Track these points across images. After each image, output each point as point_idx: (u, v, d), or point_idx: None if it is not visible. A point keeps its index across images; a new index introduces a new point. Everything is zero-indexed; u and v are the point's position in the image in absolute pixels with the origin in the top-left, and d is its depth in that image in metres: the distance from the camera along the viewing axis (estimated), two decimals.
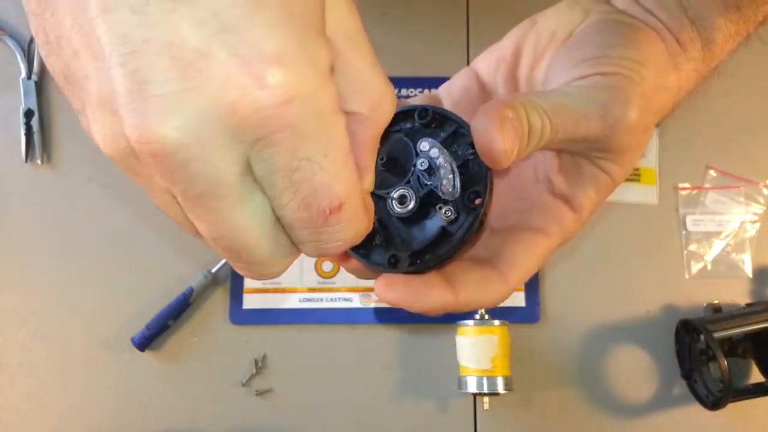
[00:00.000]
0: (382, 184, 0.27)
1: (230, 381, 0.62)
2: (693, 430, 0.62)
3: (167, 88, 0.18)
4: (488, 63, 0.33)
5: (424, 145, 0.27)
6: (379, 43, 0.79)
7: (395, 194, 0.27)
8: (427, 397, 0.62)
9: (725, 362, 0.54)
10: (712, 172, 0.67)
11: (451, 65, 0.70)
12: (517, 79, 0.32)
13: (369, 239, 0.27)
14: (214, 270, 0.63)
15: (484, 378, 0.57)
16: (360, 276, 0.29)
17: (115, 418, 0.62)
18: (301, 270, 0.65)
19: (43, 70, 0.70)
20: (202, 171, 0.19)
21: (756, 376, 0.61)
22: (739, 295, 0.64)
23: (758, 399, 0.59)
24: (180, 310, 0.62)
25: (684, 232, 0.66)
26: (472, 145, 0.26)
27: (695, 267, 0.65)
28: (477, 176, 0.27)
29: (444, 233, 0.27)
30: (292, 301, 0.64)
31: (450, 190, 0.26)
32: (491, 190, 0.27)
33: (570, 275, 0.65)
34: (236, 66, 0.18)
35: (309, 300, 0.64)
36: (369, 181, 0.24)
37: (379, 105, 0.23)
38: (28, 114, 0.68)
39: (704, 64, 0.32)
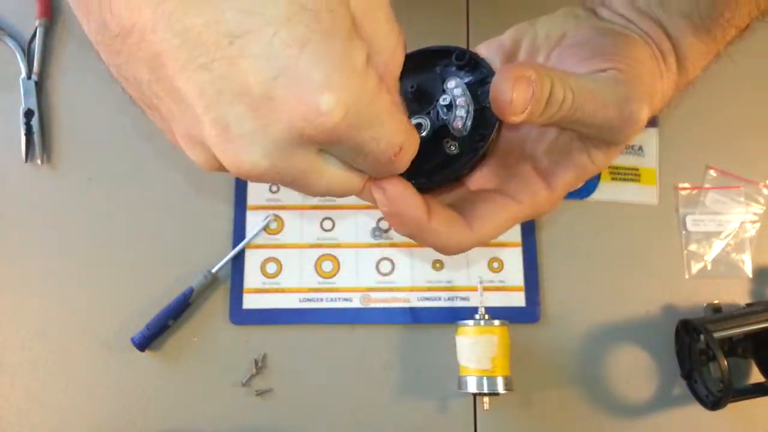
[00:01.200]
0: (408, 110, 0.30)
1: (230, 381, 0.62)
2: (693, 430, 0.62)
3: (245, 128, 0.21)
4: (488, 49, 0.36)
5: (450, 83, 0.31)
6: None
7: (414, 121, 0.31)
8: (427, 397, 0.62)
9: (725, 362, 0.54)
10: (712, 172, 0.67)
11: None
12: (519, 57, 0.36)
13: None
14: (214, 270, 0.63)
15: (484, 378, 0.57)
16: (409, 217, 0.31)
17: (115, 418, 0.62)
18: (301, 270, 0.65)
19: (43, 70, 0.70)
20: (286, 172, 0.23)
21: (756, 376, 0.61)
22: (739, 295, 0.65)
23: (758, 399, 0.59)
24: (180, 310, 0.62)
25: (684, 232, 0.66)
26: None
27: (695, 267, 0.65)
28: (488, 123, 0.30)
29: (444, 163, 0.30)
30: (292, 301, 0.64)
31: (459, 127, 0.30)
32: (496, 138, 0.30)
33: (570, 275, 0.65)
34: (296, 101, 0.21)
35: (309, 300, 0.64)
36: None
37: (393, 54, 0.25)
38: (28, 114, 0.68)
39: (679, 78, 0.35)
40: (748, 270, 0.65)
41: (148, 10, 0.20)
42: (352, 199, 0.67)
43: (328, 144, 0.23)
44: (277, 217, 0.66)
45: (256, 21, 0.20)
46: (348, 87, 0.21)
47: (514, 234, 0.65)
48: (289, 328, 0.64)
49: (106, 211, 0.66)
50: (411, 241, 0.65)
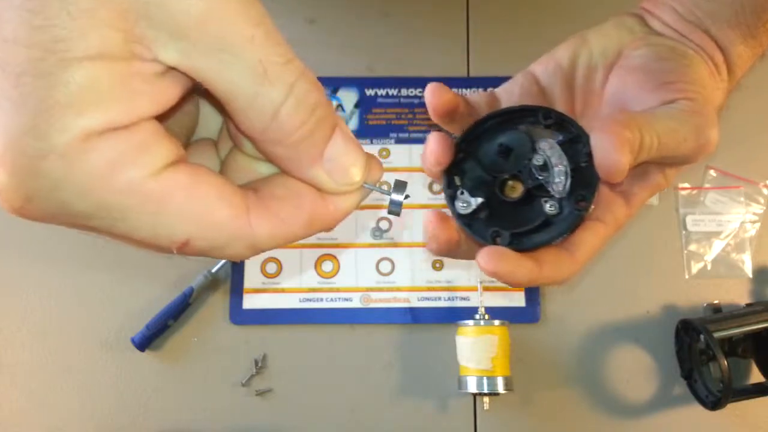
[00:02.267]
0: (494, 168, 0.32)
1: (230, 381, 0.62)
2: (693, 430, 0.62)
3: None
4: (545, 69, 0.36)
5: (544, 144, 0.31)
6: (379, 42, 0.80)
7: (504, 179, 0.32)
8: (428, 397, 0.62)
9: (725, 362, 0.54)
10: (712, 172, 0.67)
11: (451, 65, 0.71)
12: (573, 87, 0.36)
13: (474, 212, 0.31)
14: (214, 270, 0.63)
15: (485, 378, 0.57)
16: (442, 241, 0.31)
17: (115, 418, 0.62)
18: (301, 270, 0.65)
19: None
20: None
21: (756, 376, 0.61)
22: (739, 295, 0.64)
23: (758, 399, 0.59)
24: (180, 310, 0.62)
25: (684, 232, 0.66)
26: (587, 155, 0.30)
27: (695, 267, 0.65)
28: (585, 181, 0.31)
29: (545, 223, 0.31)
30: (292, 301, 0.64)
31: (560, 189, 0.31)
32: (597, 196, 0.31)
33: None
34: None
35: (309, 300, 0.64)
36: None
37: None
38: None
39: (729, 84, 0.36)
40: (748, 270, 0.65)
41: None
42: None
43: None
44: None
45: None
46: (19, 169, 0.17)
47: None
48: (289, 328, 0.64)
49: None
50: (411, 241, 0.66)
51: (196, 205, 0.20)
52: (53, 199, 0.18)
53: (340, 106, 0.69)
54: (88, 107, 0.17)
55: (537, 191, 0.31)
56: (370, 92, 0.70)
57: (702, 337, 0.57)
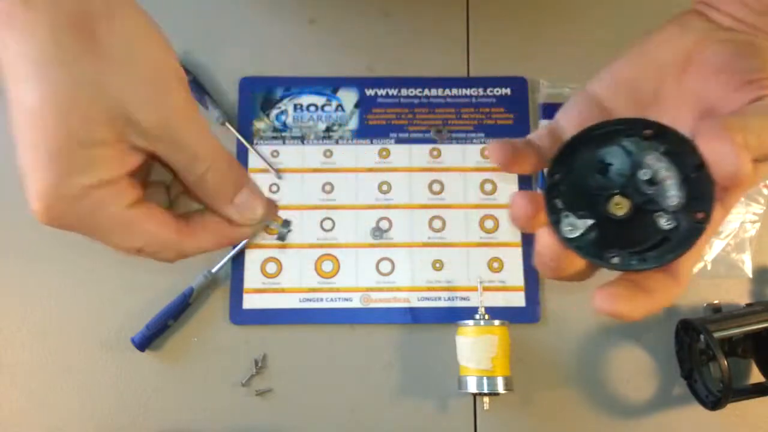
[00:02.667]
0: (595, 186, 0.31)
1: (230, 381, 0.62)
2: (693, 430, 0.62)
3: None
4: (606, 87, 0.35)
5: (650, 157, 0.30)
6: (380, 42, 0.80)
7: (610, 197, 0.31)
8: (427, 397, 0.62)
9: (725, 362, 0.54)
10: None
11: (451, 65, 0.71)
12: (639, 102, 0.35)
13: (583, 234, 0.30)
14: (214, 270, 0.63)
15: (484, 378, 0.57)
16: (553, 266, 0.32)
17: (114, 418, 0.62)
18: (301, 270, 0.65)
19: None
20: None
21: (756, 376, 0.61)
22: (739, 295, 0.65)
23: (758, 399, 0.59)
24: (180, 310, 0.62)
25: None
26: (696, 165, 0.29)
27: (695, 267, 0.65)
28: (698, 192, 0.29)
29: (663, 240, 0.30)
30: (292, 301, 0.64)
31: (675, 202, 0.30)
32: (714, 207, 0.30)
33: None
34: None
35: (309, 300, 0.64)
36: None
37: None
38: None
39: None
40: (748, 270, 0.65)
41: None
42: (352, 199, 0.67)
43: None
44: (277, 217, 0.66)
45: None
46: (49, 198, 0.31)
47: (514, 234, 0.65)
48: (289, 328, 0.64)
49: None
50: (411, 241, 0.66)
51: (148, 228, 0.32)
52: (66, 219, 0.31)
53: (339, 106, 0.69)
54: (93, 171, 0.29)
55: (647, 206, 0.30)
56: (370, 92, 0.70)
57: (702, 337, 0.57)
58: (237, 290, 0.64)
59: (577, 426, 0.62)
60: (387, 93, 0.70)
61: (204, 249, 0.34)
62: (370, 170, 0.68)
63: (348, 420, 0.62)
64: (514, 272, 0.64)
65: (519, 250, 0.65)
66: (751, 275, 0.65)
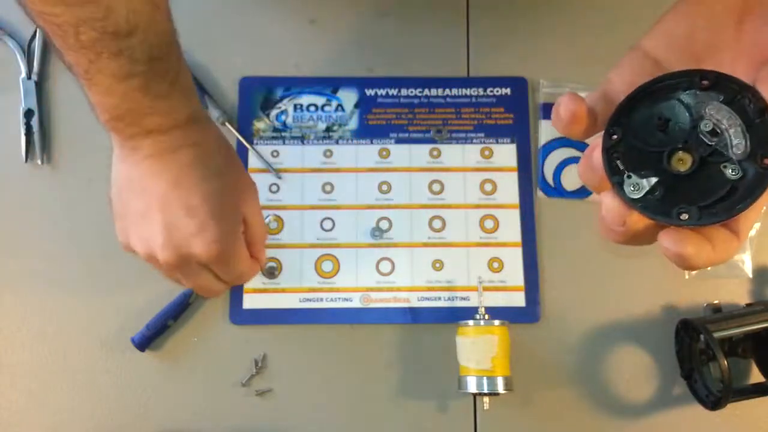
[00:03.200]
0: (656, 143, 0.30)
1: (230, 381, 0.62)
2: (693, 430, 0.62)
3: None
4: (659, 42, 0.34)
5: (711, 107, 0.29)
6: (380, 42, 0.80)
7: (672, 152, 0.30)
8: (427, 397, 0.62)
9: (725, 362, 0.54)
10: None
11: (451, 65, 0.71)
12: (694, 54, 0.34)
13: (648, 193, 0.30)
14: None
15: (484, 378, 0.57)
16: (621, 231, 0.30)
17: (114, 418, 0.62)
18: (301, 270, 0.65)
19: (43, 70, 0.70)
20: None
21: (756, 376, 0.61)
22: (738, 295, 0.65)
23: (758, 399, 0.59)
24: (180, 310, 0.62)
25: None
26: (760, 110, 0.29)
27: (755, 224, 0.64)
28: (763, 137, 0.29)
29: (731, 190, 0.29)
30: (292, 301, 0.64)
31: (741, 150, 0.29)
32: None
33: (570, 275, 0.65)
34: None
35: (309, 300, 0.64)
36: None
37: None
38: (28, 114, 0.68)
39: None
40: (748, 270, 0.65)
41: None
42: (352, 199, 0.67)
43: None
44: (277, 217, 0.66)
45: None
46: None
47: (514, 234, 0.65)
48: (289, 328, 0.64)
49: (106, 211, 0.66)
50: (411, 241, 0.66)
51: (243, 260, 0.55)
52: (226, 251, 0.50)
53: (339, 106, 0.69)
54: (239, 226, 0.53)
55: (711, 158, 0.29)
56: (370, 92, 0.70)
57: (702, 337, 0.57)
58: (237, 290, 0.64)
59: (577, 426, 0.62)
60: (387, 93, 0.70)
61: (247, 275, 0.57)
62: (370, 170, 0.68)
63: (348, 420, 0.62)
64: (514, 272, 0.64)
65: (519, 250, 0.65)
66: (751, 275, 0.65)
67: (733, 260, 0.65)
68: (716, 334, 0.56)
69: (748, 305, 0.63)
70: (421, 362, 0.63)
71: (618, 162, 0.30)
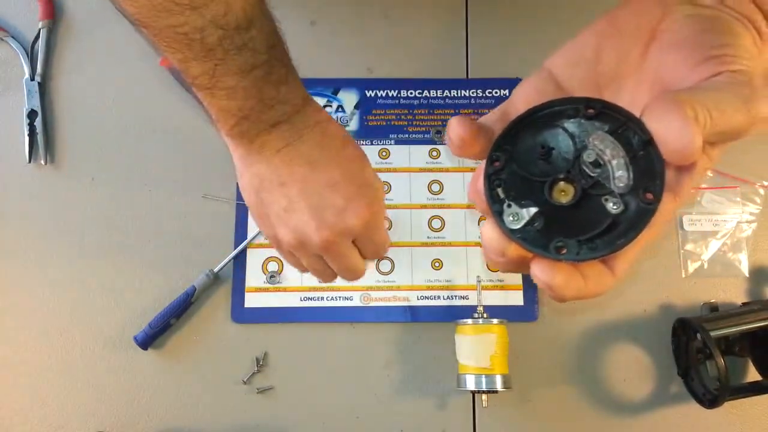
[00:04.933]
0: (538, 172, 0.29)
1: (232, 379, 0.63)
2: (690, 429, 0.62)
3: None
4: (565, 61, 0.33)
5: (594, 137, 0.28)
6: (380, 44, 0.80)
7: (554, 183, 0.29)
8: (427, 394, 0.62)
9: (722, 361, 0.55)
10: (708, 172, 0.67)
11: (450, 66, 0.72)
12: (598, 76, 0.33)
13: (528, 224, 0.28)
14: (216, 269, 0.64)
15: (483, 376, 0.58)
16: (500, 260, 0.30)
17: (117, 416, 0.62)
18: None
19: (46, 71, 0.71)
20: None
21: (752, 375, 0.62)
22: (735, 295, 0.65)
23: (755, 397, 0.60)
24: (182, 308, 0.63)
25: (680, 231, 0.66)
26: (644, 143, 0.27)
27: (692, 266, 0.66)
28: (646, 172, 0.27)
29: (612, 224, 0.27)
30: (293, 300, 0.64)
31: (622, 184, 0.27)
32: (664, 186, 0.27)
33: None
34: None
35: (310, 299, 0.64)
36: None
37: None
38: (32, 115, 0.69)
39: None
40: (745, 269, 0.65)
41: None
42: None
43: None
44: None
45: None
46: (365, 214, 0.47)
47: None
48: (290, 326, 0.64)
49: (109, 211, 0.67)
50: (410, 240, 0.66)
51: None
52: (376, 221, 0.49)
53: (340, 107, 0.70)
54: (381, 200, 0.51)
55: (593, 190, 0.28)
56: (370, 93, 0.70)
57: (699, 335, 0.58)
58: (239, 289, 0.64)
59: (575, 423, 0.62)
60: (387, 94, 0.70)
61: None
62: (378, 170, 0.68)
63: (348, 417, 0.62)
64: None
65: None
66: (747, 274, 0.65)
67: (730, 260, 0.66)
68: (713, 333, 0.57)
69: (744, 304, 0.63)
70: (421, 360, 0.63)
71: (499, 190, 0.29)
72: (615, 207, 0.27)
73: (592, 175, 0.28)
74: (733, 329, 0.59)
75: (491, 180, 0.29)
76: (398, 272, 0.65)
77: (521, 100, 0.33)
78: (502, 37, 0.72)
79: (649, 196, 0.27)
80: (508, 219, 0.28)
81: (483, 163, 0.30)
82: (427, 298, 0.64)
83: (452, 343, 0.61)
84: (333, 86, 0.70)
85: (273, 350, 0.63)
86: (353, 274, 0.52)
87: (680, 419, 0.62)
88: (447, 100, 0.70)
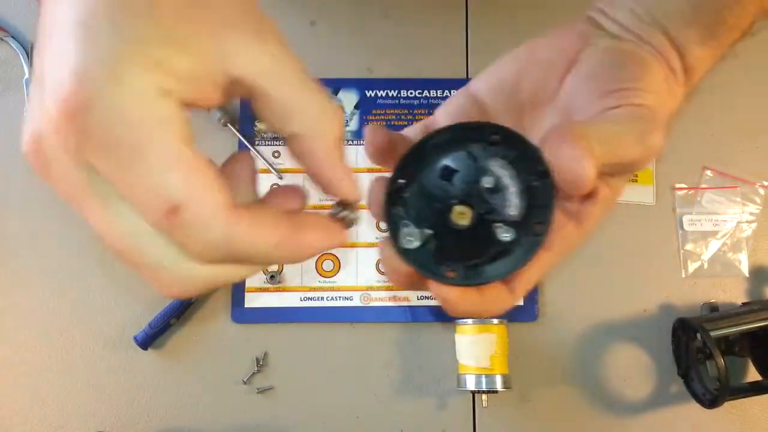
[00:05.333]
0: (439, 194, 0.29)
1: (232, 379, 0.63)
2: (690, 429, 0.62)
3: None
4: (488, 86, 0.34)
5: (494, 163, 0.28)
6: (380, 44, 0.80)
7: (451, 206, 0.28)
8: (427, 394, 0.63)
9: (722, 361, 0.55)
10: (708, 173, 0.67)
11: (450, 67, 0.72)
12: (519, 102, 0.33)
13: (422, 245, 0.28)
14: None
15: (483, 376, 0.58)
16: (394, 277, 0.30)
17: (117, 416, 0.62)
18: (302, 269, 0.65)
19: None
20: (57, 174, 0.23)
21: (753, 375, 0.62)
22: (735, 295, 0.65)
23: (755, 397, 0.60)
24: (182, 309, 0.63)
25: (681, 231, 0.66)
26: (540, 173, 0.27)
27: (692, 266, 0.66)
28: (540, 203, 0.27)
29: (502, 252, 0.28)
30: (293, 300, 0.64)
31: (513, 213, 0.28)
32: (553, 218, 0.28)
33: (568, 274, 0.65)
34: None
35: (310, 299, 0.64)
36: (348, 188, 0.27)
37: (316, 122, 0.25)
38: None
39: (686, 88, 0.34)
40: (745, 269, 0.65)
41: None
42: None
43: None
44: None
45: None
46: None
47: None
48: (290, 326, 0.64)
49: None
50: None
51: (200, 178, 0.21)
52: (103, 112, 0.20)
53: (340, 108, 0.70)
54: (156, 68, 0.21)
55: (489, 216, 0.28)
56: (370, 93, 0.70)
57: (699, 335, 0.58)
58: (239, 289, 0.64)
59: (575, 424, 0.62)
60: (387, 94, 0.70)
61: (260, 247, 0.23)
62: (371, 171, 0.68)
63: (348, 417, 0.62)
64: None
65: None
66: (747, 274, 0.65)
67: (730, 260, 0.66)
68: (713, 333, 0.57)
69: (744, 304, 0.63)
70: (421, 360, 0.63)
71: (399, 209, 0.29)
72: (506, 235, 0.27)
73: (490, 201, 0.28)
74: (733, 329, 0.59)
75: (392, 198, 0.29)
76: None
77: (444, 119, 0.33)
78: (503, 36, 0.72)
79: (539, 227, 0.27)
80: (404, 239, 0.28)
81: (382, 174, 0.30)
82: (427, 298, 0.64)
83: (452, 343, 0.61)
84: (333, 86, 0.70)
85: (273, 350, 0.63)
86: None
87: (680, 419, 0.62)
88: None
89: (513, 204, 0.28)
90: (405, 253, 0.28)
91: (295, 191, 0.28)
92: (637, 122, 0.29)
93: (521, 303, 0.64)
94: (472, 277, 0.28)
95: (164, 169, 0.21)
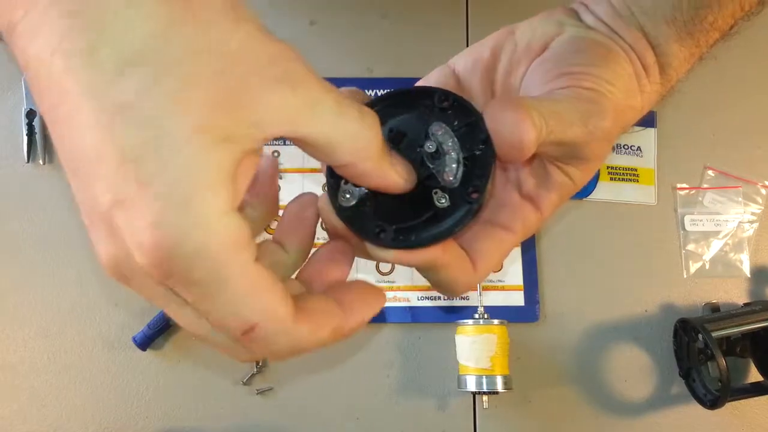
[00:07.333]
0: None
1: (231, 380, 0.62)
2: (691, 429, 0.62)
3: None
4: (466, 62, 0.35)
5: (436, 129, 0.28)
6: (379, 43, 0.80)
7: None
8: (427, 395, 0.62)
9: (723, 361, 0.55)
10: (710, 173, 0.67)
11: None
12: (492, 81, 0.34)
13: (359, 204, 0.28)
14: None
15: (484, 377, 0.58)
16: (332, 233, 0.30)
17: (116, 417, 0.62)
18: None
19: None
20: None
21: (754, 376, 0.62)
22: (737, 295, 0.65)
23: (756, 398, 0.60)
24: None
25: (682, 231, 0.66)
26: (483, 140, 0.27)
27: (693, 266, 0.65)
28: (479, 171, 0.28)
29: (434, 217, 0.28)
30: None
31: (450, 179, 0.28)
32: (491, 188, 0.28)
33: (569, 275, 0.65)
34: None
35: None
36: (405, 183, 0.27)
37: (359, 147, 0.25)
38: (30, 114, 0.68)
39: (662, 87, 0.34)
40: (746, 270, 0.65)
41: None
42: None
43: (160, 282, 0.22)
44: (278, 217, 0.66)
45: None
46: (183, 233, 0.21)
47: None
48: None
49: None
50: None
51: (271, 298, 0.23)
52: (186, 260, 0.21)
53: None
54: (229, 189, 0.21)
55: (429, 182, 0.28)
56: (370, 93, 0.70)
57: (700, 336, 0.57)
58: None
59: (576, 424, 0.62)
60: None
61: (318, 341, 0.26)
62: None
63: (348, 418, 0.62)
64: (513, 272, 0.65)
65: (518, 250, 0.65)
66: (749, 275, 0.65)
67: (731, 260, 0.66)
68: (714, 334, 0.56)
69: (746, 305, 0.63)
70: (421, 361, 0.63)
71: None
72: (441, 201, 0.28)
73: (430, 166, 0.28)
74: (735, 330, 0.59)
75: None
76: (398, 272, 0.65)
77: None
78: None
79: (474, 195, 0.27)
80: (342, 196, 0.28)
81: None
82: (427, 298, 0.64)
83: (453, 343, 0.60)
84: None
85: None
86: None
87: (681, 420, 0.62)
88: None
89: (452, 170, 0.28)
90: (340, 210, 0.28)
91: (342, 251, 0.29)
92: (581, 102, 0.30)
93: (522, 303, 0.64)
94: (400, 241, 0.28)
95: (242, 296, 0.22)
